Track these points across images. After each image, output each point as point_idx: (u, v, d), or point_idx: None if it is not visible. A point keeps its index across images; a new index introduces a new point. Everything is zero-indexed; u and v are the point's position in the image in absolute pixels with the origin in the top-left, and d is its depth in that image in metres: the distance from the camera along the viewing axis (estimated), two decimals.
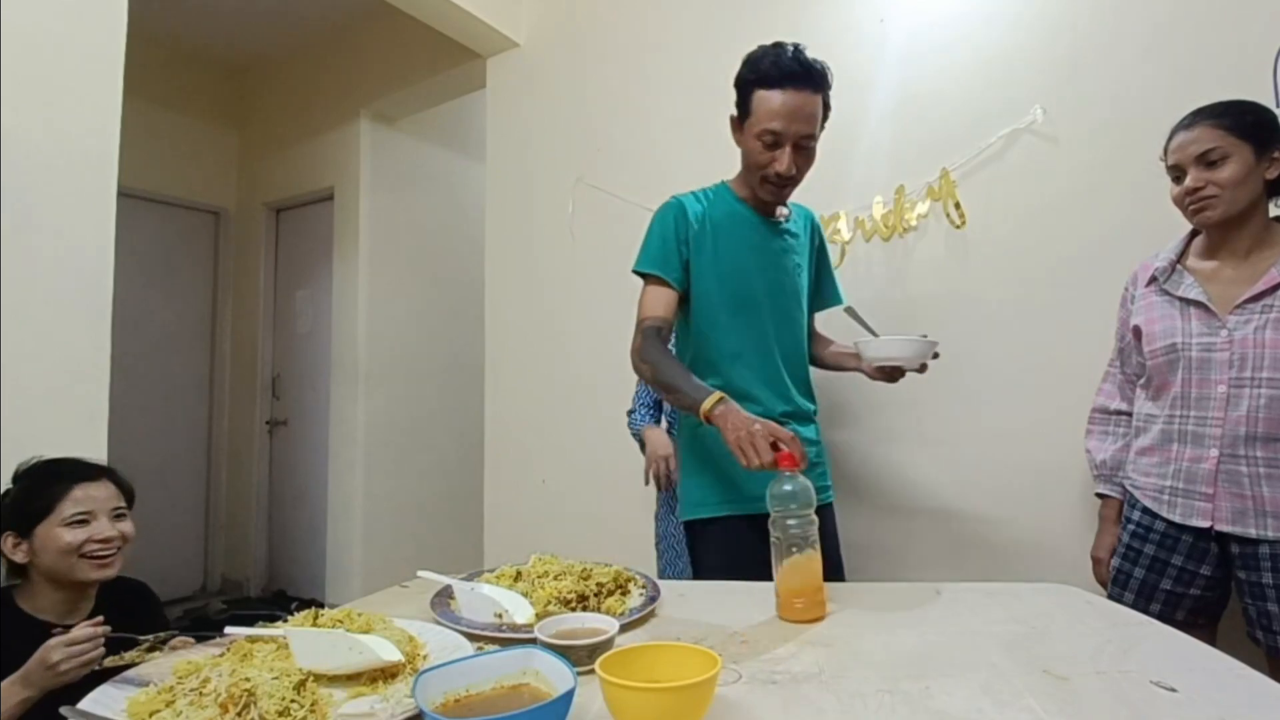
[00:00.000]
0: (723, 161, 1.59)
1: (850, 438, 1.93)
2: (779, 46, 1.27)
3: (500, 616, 0.92)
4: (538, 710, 0.58)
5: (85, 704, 0.68)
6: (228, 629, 0.85)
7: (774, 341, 1.39)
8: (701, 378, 1.22)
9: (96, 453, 1.56)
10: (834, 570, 1.42)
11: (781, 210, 1.43)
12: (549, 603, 0.95)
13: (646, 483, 1.94)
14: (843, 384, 1.66)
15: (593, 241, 2.52)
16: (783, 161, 1.28)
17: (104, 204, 1.62)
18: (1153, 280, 1.32)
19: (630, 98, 2.47)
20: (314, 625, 0.83)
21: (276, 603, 3.68)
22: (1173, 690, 0.69)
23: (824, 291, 1.54)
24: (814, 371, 1.53)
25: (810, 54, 1.27)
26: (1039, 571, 1.63)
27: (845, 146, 1.90)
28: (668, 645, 0.70)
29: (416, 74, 3.31)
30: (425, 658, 0.80)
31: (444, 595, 1.02)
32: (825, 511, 1.45)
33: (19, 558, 1.21)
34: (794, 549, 0.96)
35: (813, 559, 0.96)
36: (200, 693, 0.68)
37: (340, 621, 0.84)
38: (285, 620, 0.86)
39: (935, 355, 1.32)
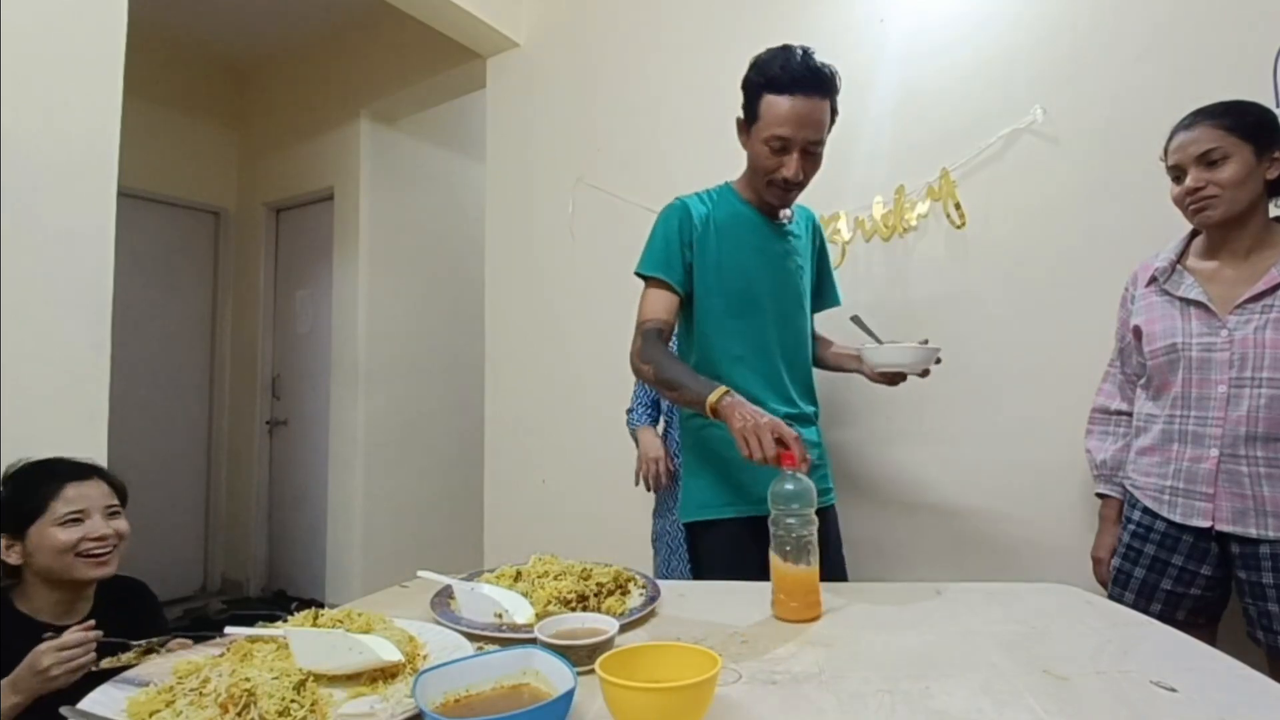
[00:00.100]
0: (723, 161, 1.59)
1: (851, 437, 1.93)
2: (788, 50, 1.25)
3: (500, 616, 0.92)
4: (538, 710, 0.58)
5: (85, 704, 0.68)
6: (228, 629, 0.85)
7: (776, 344, 1.39)
8: None
9: (96, 453, 1.55)
10: (838, 572, 1.43)
11: (785, 212, 1.43)
12: (549, 603, 0.95)
13: (636, 483, 1.94)
14: (843, 384, 1.66)
15: (593, 241, 2.52)
16: (790, 167, 1.28)
17: (104, 204, 1.62)
18: (1153, 280, 1.32)
19: (630, 98, 2.47)
20: (314, 625, 0.83)
21: (276, 603, 3.68)
22: (1173, 690, 0.69)
23: (823, 293, 1.54)
24: (815, 371, 1.53)
25: (818, 57, 1.26)
26: (1039, 571, 1.63)
27: (845, 146, 1.90)
28: (668, 645, 0.70)
29: (416, 74, 3.31)
30: (425, 658, 0.80)
31: (444, 595, 1.02)
32: (827, 513, 1.45)
33: (13, 559, 1.19)
34: (792, 549, 0.96)
35: (810, 560, 0.96)
36: (200, 693, 0.68)
37: (340, 621, 0.84)
38: (285, 620, 0.86)
39: (938, 361, 1.33)
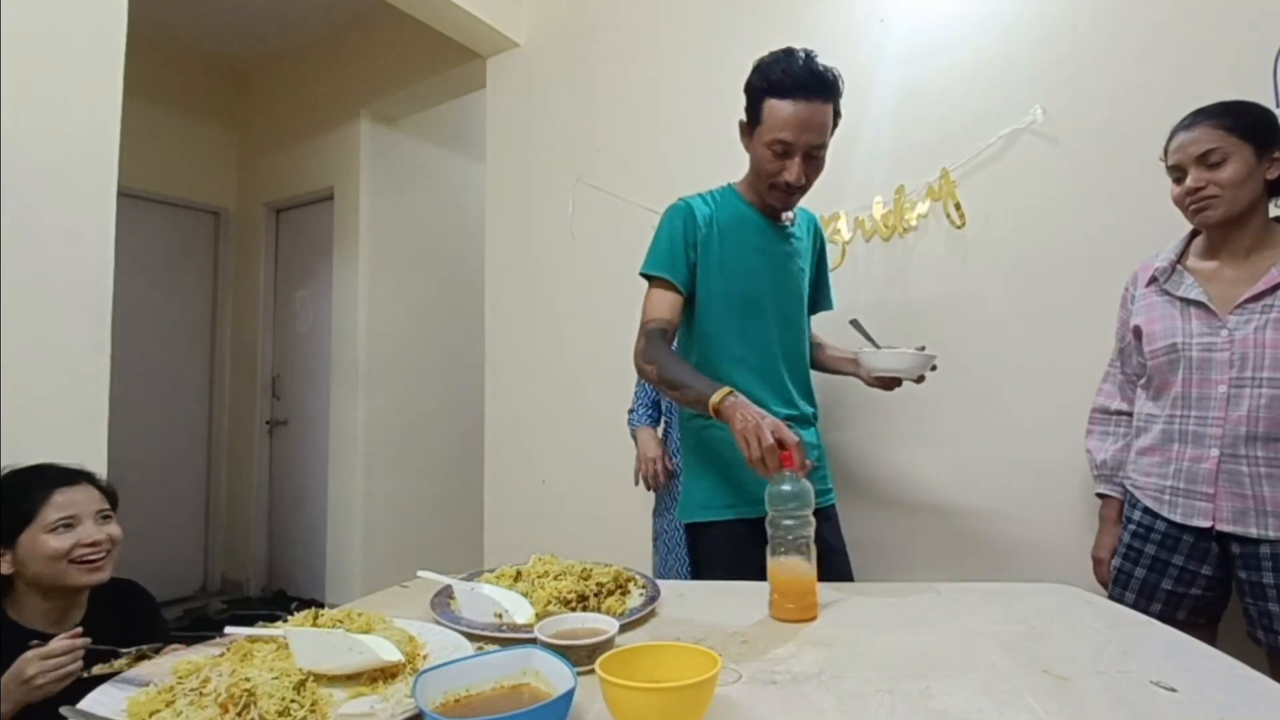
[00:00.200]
0: (723, 161, 1.59)
1: (850, 438, 1.93)
2: (790, 54, 1.25)
3: (500, 616, 0.92)
4: (538, 710, 0.58)
5: (85, 704, 0.68)
6: (228, 629, 0.85)
7: (777, 345, 1.39)
8: None
9: (96, 453, 1.56)
10: (843, 572, 1.43)
11: (787, 214, 1.43)
12: (549, 603, 0.95)
13: (636, 483, 1.95)
14: (843, 385, 1.66)
15: (593, 241, 2.52)
16: (793, 171, 1.28)
17: (104, 204, 1.62)
18: (1153, 280, 1.32)
19: (630, 98, 2.47)
20: (314, 625, 0.83)
21: (276, 603, 3.68)
22: (1173, 690, 0.69)
23: (818, 297, 1.55)
24: (813, 373, 1.53)
25: (821, 60, 1.26)
26: (1039, 571, 1.63)
27: (845, 147, 1.89)
28: (668, 645, 0.70)
29: (416, 74, 3.31)
30: (425, 658, 0.80)
31: (444, 595, 1.02)
32: (828, 513, 1.45)
33: (3, 568, 1.17)
34: (789, 550, 0.96)
35: (806, 561, 0.96)
36: (200, 693, 0.68)
37: (340, 621, 0.84)
38: (285, 620, 0.86)
39: (933, 368, 1.34)
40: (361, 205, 3.47)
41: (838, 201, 1.95)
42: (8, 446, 1.35)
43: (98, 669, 0.89)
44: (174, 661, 0.78)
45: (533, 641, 0.78)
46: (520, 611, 0.92)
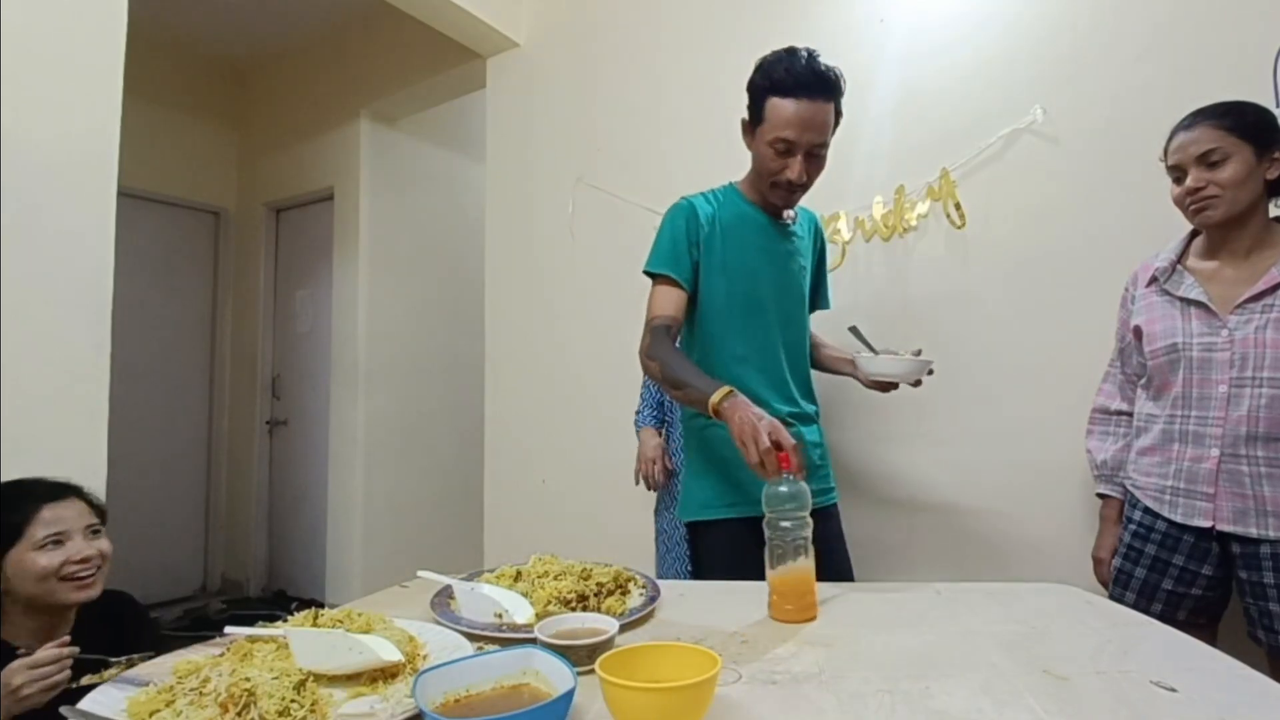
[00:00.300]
0: (723, 161, 1.59)
1: (851, 437, 1.93)
2: (793, 53, 1.25)
3: (500, 616, 0.92)
4: (538, 710, 0.58)
5: (85, 704, 0.68)
6: (228, 629, 0.85)
7: (779, 343, 1.40)
8: None
9: (96, 453, 1.56)
10: (843, 571, 1.43)
11: (788, 213, 1.43)
12: (549, 603, 0.95)
13: (636, 483, 1.96)
14: (844, 384, 1.66)
15: (593, 241, 2.52)
16: (794, 169, 1.28)
17: (104, 204, 1.62)
18: (1153, 280, 1.32)
19: (630, 98, 2.47)
20: (314, 625, 0.83)
21: (276, 603, 3.68)
22: (1173, 690, 0.69)
23: (816, 296, 1.55)
24: (812, 371, 1.53)
25: (823, 59, 1.26)
26: (1039, 571, 1.63)
27: (845, 147, 1.88)
28: (668, 645, 0.70)
29: (416, 74, 3.31)
30: (425, 658, 0.80)
31: (444, 595, 1.02)
32: (830, 513, 1.45)
33: None
34: (786, 551, 0.96)
35: (805, 562, 0.96)
36: (200, 693, 0.68)
37: (340, 621, 0.84)
38: (285, 620, 0.86)
39: (930, 372, 1.35)
40: (361, 205, 3.47)
41: (838, 201, 1.95)
42: (8, 446, 1.35)
43: (86, 679, 0.88)
44: (174, 661, 0.78)
45: (533, 641, 0.78)
46: (520, 611, 0.92)
